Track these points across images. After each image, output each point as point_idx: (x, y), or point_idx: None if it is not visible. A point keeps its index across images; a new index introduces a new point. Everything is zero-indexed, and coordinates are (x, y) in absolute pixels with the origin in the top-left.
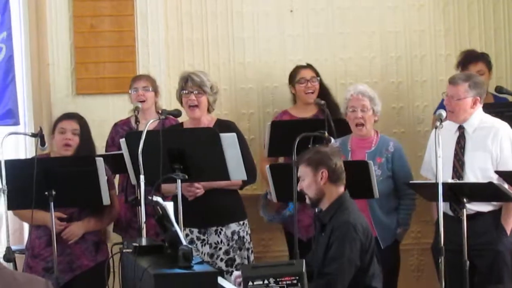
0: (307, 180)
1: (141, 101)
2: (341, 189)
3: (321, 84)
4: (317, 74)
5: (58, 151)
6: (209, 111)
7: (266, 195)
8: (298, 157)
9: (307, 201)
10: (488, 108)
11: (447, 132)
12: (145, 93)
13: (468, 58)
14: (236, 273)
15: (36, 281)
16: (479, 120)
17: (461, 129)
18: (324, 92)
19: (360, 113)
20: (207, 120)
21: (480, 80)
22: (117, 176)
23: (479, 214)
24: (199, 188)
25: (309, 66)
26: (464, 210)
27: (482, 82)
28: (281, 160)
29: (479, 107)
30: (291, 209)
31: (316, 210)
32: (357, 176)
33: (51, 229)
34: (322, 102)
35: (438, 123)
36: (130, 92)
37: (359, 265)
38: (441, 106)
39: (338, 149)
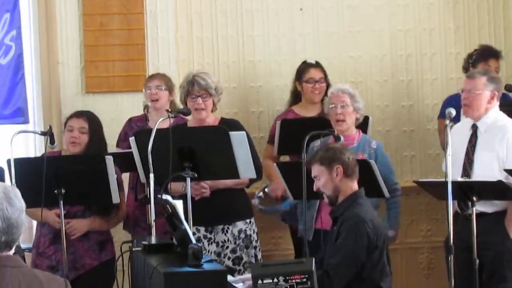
0: (322, 179)
1: (154, 100)
2: (355, 184)
3: (327, 84)
4: (325, 74)
5: (67, 149)
6: (212, 110)
7: (265, 188)
8: (309, 157)
9: (325, 200)
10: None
11: (463, 129)
12: (158, 92)
13: (491, 52)
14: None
15: (55, 280)
16: (493, 119)
17: (474, 127)
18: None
19: (340, 109)
20: (211, 120)
21: (497, 76)
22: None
23: (483, 214)
24: (205, 188)
25: (318, 65)
26: (474, 208)
27: (499, 78)
28: (284, 158)
29: (496, 104)
30: (287, 205)
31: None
32: (362, 175)
33: (52, 227)
34: None
35: (447, 121)
36: (144, 90)
37: (365, 261)
38: (444, 107)
39: (346, 145)
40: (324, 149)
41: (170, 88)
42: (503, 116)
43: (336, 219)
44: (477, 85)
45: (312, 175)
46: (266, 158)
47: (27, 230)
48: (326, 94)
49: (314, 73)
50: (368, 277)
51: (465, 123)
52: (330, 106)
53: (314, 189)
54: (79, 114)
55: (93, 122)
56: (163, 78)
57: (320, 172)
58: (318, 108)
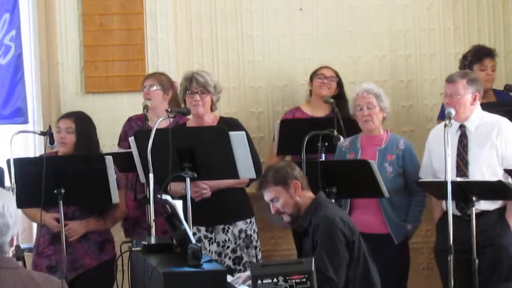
0: (282, 199)
1: (147, 99)
2: (311, 193)
3: (341, 89)
4: (338, 76)
5: (59, 149)
6: (212, 110)
7: None
8: (259, 184)
9: (286, 220)
10: (492, 107)
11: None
12: (150, 91)
13: (485, 52)
14: (241, 274)
15: (52, 281)
16: (479, 117)
17: (462, 127)
18: (340, 96)
19: (367, 110)
20: (210, 119)
21: (476, 77)
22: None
23: (485, 212)
24: (205, 189)
25: (330, 67)
26: (473, 208)
27: (478, 78)
28: (287, 158)
29: (478, 104)
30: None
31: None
32: (362, 175)
33: (51, 229)
34: (331, 100)
35: (447, 121)
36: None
37: (349, 258)
38: (444, 108)
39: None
40: (272, 170)
41: (165, 87)
42: (486, 113)
43: (306, 230)
44: (458, 89)
45: (268, 199)
46: (273, 157)
47: (27, 230)
48: (336, 95)
49: (325, 71)
50: (354, 274)
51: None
52: (357, 107)
53: (273, 211)
54: (67, 115)
55: (81, 122)
56: (157, 78)
57: (277, 193)
58: (325, 109)
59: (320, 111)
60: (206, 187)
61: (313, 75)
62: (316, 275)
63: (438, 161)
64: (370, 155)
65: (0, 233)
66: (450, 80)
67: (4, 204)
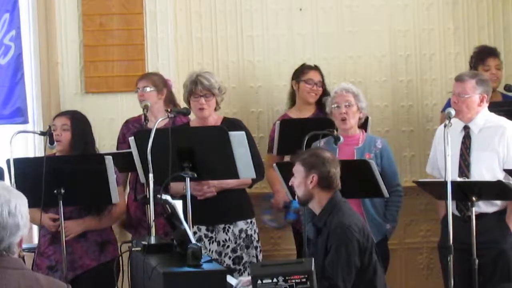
0: (298, 178)
1: (142, 101)
2: (329, 194)
3: (324, 87)
4: (323, 78)
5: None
6: (215, 109)
7: (270, 197)
8: (296, 154)
9: (296, 197)
10: (497, 107)
11: (453, 131)
12: (144, 93)
13: (487, 52)
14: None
15: (58, 285)
16: (484, 119)
17: (466, 129)
18: (325, 94)
19: (344, 108)
20: (214, 119)
21: (486, 78)
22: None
23: (483, 214)
24: (210, 186)
25: (317, 68)
26: (473, 208)
27: (488, 80)
28: (286, 158)
29: (486, 106)
30: (293, 216)
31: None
32: (362, 175)
33: (48, 229)
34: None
35: (447, 121)
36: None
37: (359, 265)
38: (449, 104)
39: (335, 157)
40: (311, 152)
41: (158, 87)
42: (492, 116)
43: (320, 229)
44: (466, 89)
45: (293, 170)
46: (269, 168)
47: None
48: (321, 98)
49: (314, 75)
50: (361, 280)
51: (456, 124)
52: (334, 105)
53: (289, 183)
54: (62, 113)
55: (76, 120)
56: (150, 79)
57: (298, 172)
58: (311, 109)
59: (307, 113)
60: (212, 190)
61: (300, 77)
62: (324, 281)
63: (441, 160)
64: (347, 154)
65: (10, 233)
66: (459, 79)
67: (17, 204)
